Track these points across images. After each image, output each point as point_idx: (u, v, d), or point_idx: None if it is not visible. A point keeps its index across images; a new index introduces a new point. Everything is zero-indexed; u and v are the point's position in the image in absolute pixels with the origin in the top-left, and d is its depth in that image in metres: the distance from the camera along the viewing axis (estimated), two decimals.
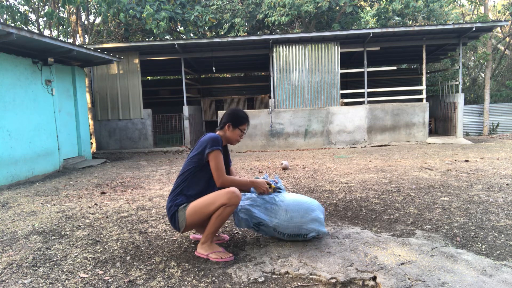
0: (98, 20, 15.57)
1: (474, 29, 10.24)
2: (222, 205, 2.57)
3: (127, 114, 11.51)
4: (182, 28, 16.13)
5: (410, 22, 17.16)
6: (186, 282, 2.35)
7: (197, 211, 2.63)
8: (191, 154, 2.79)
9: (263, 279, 2.35)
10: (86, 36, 13.31)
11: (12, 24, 10.81)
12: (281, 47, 11.06)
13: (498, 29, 18.42)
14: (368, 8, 16.80)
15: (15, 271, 2.62)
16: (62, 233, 3.47)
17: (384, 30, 10.41)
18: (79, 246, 3.09)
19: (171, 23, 14.42)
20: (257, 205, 2.80)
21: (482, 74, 20.03)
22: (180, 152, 11.05)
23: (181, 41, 10.83)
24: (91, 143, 11.06)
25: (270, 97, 12.68)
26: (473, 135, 15.11)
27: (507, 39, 18.10)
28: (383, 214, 3.71)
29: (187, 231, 2.81)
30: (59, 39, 9.42)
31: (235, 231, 3.33)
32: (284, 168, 6.91)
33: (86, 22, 13.94)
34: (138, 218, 3.88)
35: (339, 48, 10.99)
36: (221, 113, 11.20)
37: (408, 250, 2.68)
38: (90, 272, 2.55)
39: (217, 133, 2.88)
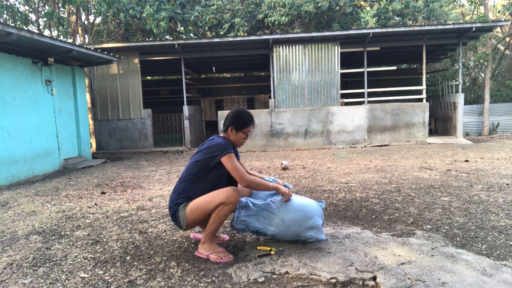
0: (98, 20, 15.57)
1: (474, 29, 10.24)
2: (220, 204, 2.57)
3: (127, 114, 11.51)
4: (182, 28, 16.13)
5: (410, 22, 17.16)
6: (186, 282, 2.35)
7: (197, 209, 2.64)
8: (196, 157, 2.76)
9: (263, 279, 2.35)
10: (86, 36, 13.31)
11: (12, 24, 10.81)
12: (281, 47, 11.06)
13: (498, 29, 18.42)
14: (368, 8, 16.81)
15: (15, 271, 2.62)
16: (62, 233, 3.47)
17: (384, 30, 10.41)
18: (79, 246, 3.09)
19: (171, 23, 14.41)
20: (253, 214, 2.76)
21: (482, 74, 20.02)
22: (180, 152, 11.05)
23: (181, 41, 10.83)
24: (91, 143, 11.06)
25: (270, 97, 12.67)
26: (473, 135, 15.10)
27: (507, 39, 18.09)
28: (383, 214, 3.71)
29: (191, 229, 2.81)
30: (59, 39, 9.42)
31: (235, 231, 3.33)
32: (284, 168, 6.91)
33: (86, 22, 13.93)
34: (138, 218, 3.88)
35: (339, 48, 10.99)
36: (221, 113, 11.19)
37: (408, 250, 2.68)
38: (90, 272, 2.55)
39: (221, 135, 2.86)
